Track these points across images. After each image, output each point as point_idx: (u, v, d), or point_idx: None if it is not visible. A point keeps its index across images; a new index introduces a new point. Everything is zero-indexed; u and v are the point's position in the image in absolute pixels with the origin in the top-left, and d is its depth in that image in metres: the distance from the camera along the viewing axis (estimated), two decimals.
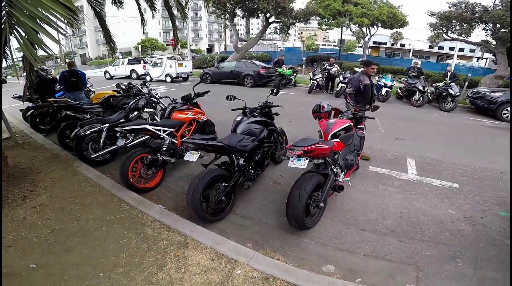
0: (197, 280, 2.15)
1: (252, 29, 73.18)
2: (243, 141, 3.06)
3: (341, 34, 24.03)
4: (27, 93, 5.16)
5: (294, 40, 71.53)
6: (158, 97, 5.28)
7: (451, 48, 27.01)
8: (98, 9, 5.96)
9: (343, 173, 3.13)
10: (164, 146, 3.56)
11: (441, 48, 35.03)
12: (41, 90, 5.91)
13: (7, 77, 18.63)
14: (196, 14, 56.06)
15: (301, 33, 76.59)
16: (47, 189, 3.47)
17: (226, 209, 3.01)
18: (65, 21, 2.62)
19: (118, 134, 3.66)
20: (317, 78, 11.26)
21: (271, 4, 15.34)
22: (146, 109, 4.69)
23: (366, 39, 22.58)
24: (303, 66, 16.38)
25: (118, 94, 5.28)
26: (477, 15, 12.95)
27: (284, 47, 40.52)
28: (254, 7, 16.47)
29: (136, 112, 4.66)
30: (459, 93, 9.31)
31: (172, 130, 3.78)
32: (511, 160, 2.81)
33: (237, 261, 2.34)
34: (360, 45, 24.81)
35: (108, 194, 3.33)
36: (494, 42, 13.78)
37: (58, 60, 32.92)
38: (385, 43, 39.57)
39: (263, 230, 2.90)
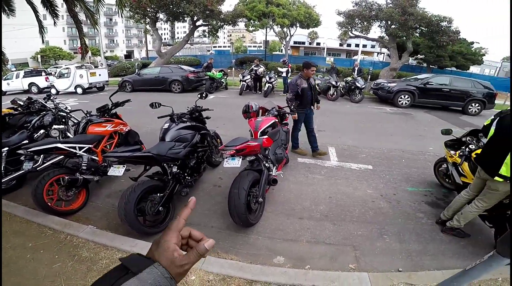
0: None
1: (178, 33, 70.74)
2: (174, 148, 2.97)
3: (266, 35, 25.25)
4: None
5: (224, 42, 72.02)
6: (68, 111, 4.64)
7: (357, 45, 31.02)
8: None
9: (275, 167, 3.32)
10: (83, 164, 3.22)
11: (349, 45, 39.66)
12: None
13: None
14: (111, 19, 51.21)
15: (230, 35, 77.54)
16: None
17: (167, 219, 2.91)
18: None
19: (23, 157, 3.12)
20: (247, 79, 11.59)
21: (198, 7, 14.78)
22: (55, 126, 4.09)
23: (287, 39, 24.23)
24: (233, 68, 16.64)
25: (16, 112, 4.46)
26: (374, 13, 15.04)
27: (213, 50, 40.45)
28: (179, 11, 15.74)
29: (42, 131, 4.02)
30: (364, 86, 10.86)
31: (90, 146, 3.42)
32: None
33: None
34: (283, 45, 26.46)
35: (24, 221, 2.99)
36: (387, 37, 16.29)
37: None
38: (303, 43, 43.14)
39: (211, 233, 2.88)
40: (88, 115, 3.89)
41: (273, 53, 33.15)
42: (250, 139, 3.03)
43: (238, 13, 17.41)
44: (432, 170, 4.11)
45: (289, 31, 23.29)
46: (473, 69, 26.52)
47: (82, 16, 6.54)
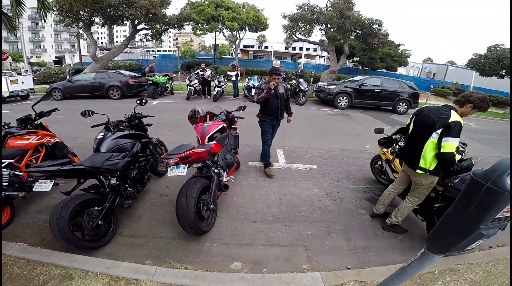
0: None
1: (117, 37, 65.68)
2: (111, 159, 2.74)
3: (215, 39, 24.97)
4: None
5: (170, 46, 69.29)
6: None
7: (301, 48, 32.50)
8: None
9: (225, 172, 3.29)
10: (3, 180, 2.85)
11: (293, 48, 41.72)
12: None
13: None
14: (37, 23, 45.78)
15: (177, 39, 75.06)
16: None
17: (109, 232, 2.71)
18: None
19: None
20: (194, 84, 11.29)
21: (139, 11, 13.81)
22: None
23: (237, 42, 24.38)
24: (179, 72, 16.09)
25: None
26: (315, 16, 15.79)
27: (158, 54, 38.61)
28: (118, 14, 14.53)
29: None
30: (307, 89, 11.38)
31: (11, 161, 3.04)
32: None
33: (138, 280, 2.19)
34: (233, 49, 26.52)
35: None
36: (327, 41, 17.22)
37: None
38: (253, 46, 43.99)
39: (160, 244, 2.74)
40: (6, 127, 3.38)
41: (223, 56, 33.00)
42: (197, 146, 2.96)
43: (184, 17, 16.79)
44: (369, 167, 4.42)
45: (239, 35, 23.47)
46: (400, 70, 29.78)
47: None
